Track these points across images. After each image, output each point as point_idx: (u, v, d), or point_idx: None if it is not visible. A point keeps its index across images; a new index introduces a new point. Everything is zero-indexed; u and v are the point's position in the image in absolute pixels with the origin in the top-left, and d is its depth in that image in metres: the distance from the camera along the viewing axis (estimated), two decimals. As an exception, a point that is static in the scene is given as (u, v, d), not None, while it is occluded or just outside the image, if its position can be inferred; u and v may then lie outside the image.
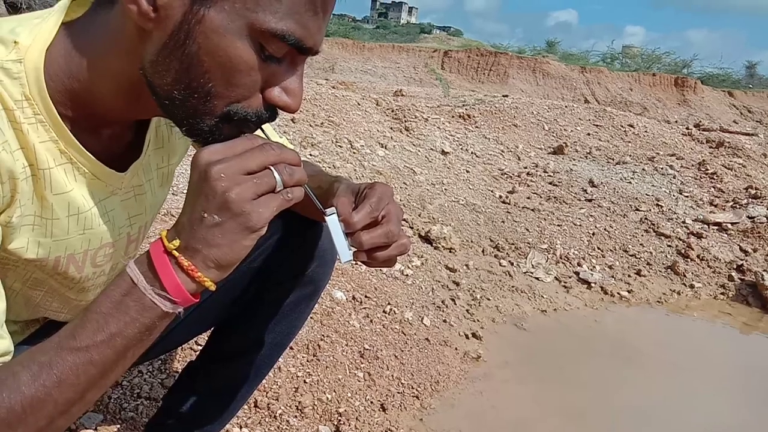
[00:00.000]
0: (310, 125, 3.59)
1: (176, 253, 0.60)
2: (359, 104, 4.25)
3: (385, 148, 3.81)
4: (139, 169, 0.79)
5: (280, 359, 1.68)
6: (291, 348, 1.76)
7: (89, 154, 0.70)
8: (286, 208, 0.65)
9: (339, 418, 1.61)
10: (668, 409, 2.17)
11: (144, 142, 0.79)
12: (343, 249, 0.75)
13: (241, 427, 1.41)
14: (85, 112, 0.68)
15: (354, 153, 3.52)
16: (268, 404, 1.52)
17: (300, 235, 1.03)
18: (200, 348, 1.25)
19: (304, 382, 1.66)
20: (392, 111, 4.44)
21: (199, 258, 0.60)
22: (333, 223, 0.74)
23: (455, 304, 2.62)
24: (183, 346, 1.57)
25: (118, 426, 1.34)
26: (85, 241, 0.75)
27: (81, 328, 0.59)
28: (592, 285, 3.13)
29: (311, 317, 1.97)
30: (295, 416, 1.54)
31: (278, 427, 1.46)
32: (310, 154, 3.22)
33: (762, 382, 2.54)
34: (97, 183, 0.73)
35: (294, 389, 1.62)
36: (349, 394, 1.73)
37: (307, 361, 1.75)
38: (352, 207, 0.76)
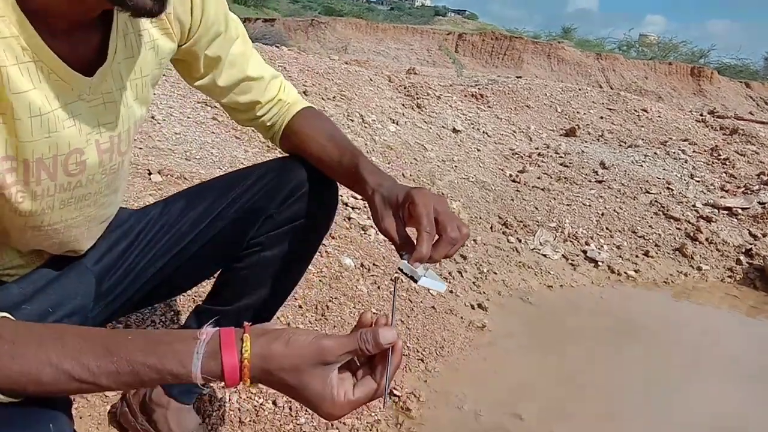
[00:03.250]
0: (322, 98, 3.60)
1: (247, 372, 0.62)
2: (372, 80, 4.25)
3: (397, 123, 3.82)
4: (107, 76, 0.78)
5: (289, 316, 1.72)
6: (300, 307, 1.79)
7: (51, 52, 0.69)
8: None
9: (345, 374, 1.65)
10: (670, 384, 2.19)
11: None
12: (437, 284, 0.86)
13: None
14: (44, 9, 0.67)
15: (365, 127, 3.54)
16: (277, 357, 1.56)
17: (295, 177, 1.05)
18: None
19: (312, 339, 1.70)
20: (404, 88, 4.44)
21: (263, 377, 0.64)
22: (425, 282, 0.85)
23: (462, 276, 2.65)
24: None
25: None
26: (53, 146, 0.74)
27: (108, 361, 0.61)
28: (599, 264, 3.14)
29: (320, 280, 2.01)
30: (303, 371, 1.58)
31: (286, 379, 1.50)
32: (322, 126, 3.25)
33: (764, 362, 2.55)
34: (61, 85, 0.72)
35: (302, 345, 1.66)
36: (356, 354, 1.77)
37: (316, 320, 1.79)
38: (396, 225, 0.89)
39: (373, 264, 2.33)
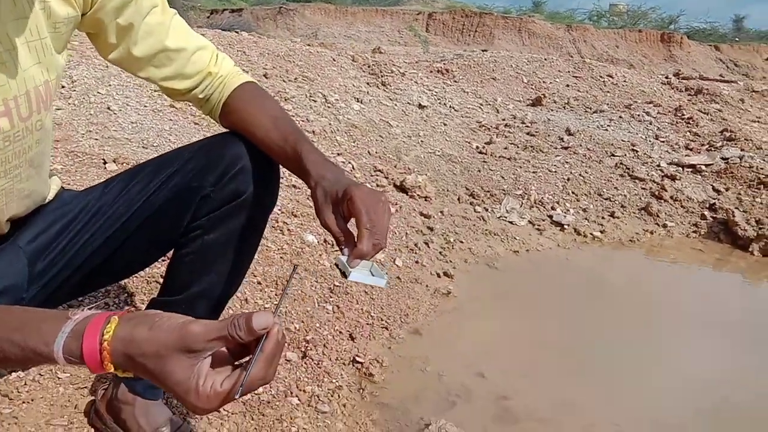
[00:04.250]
0: (284, 80, 3.58)
1: (108, 355, 0.60)
2: (335, 60, 4.23)
3: (361, 102, 3.82)
4: None
5: (247, 292, 1.74)
6: (259, 283, 1.80)
7: None
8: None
9: (306, 345, 1.67)
10: (635, 340, 2.24)
11: None
12: (375, 279, 0.89)
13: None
14: None
15: (328, 107, 3.53)
16: (235, 332, 1.57)
17: (229, 154, 1.02)
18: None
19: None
20: (368, 66, 4.43)
21: (126, 363, 0.61)
22: (355, 276, 0.87)
23: (428, 247, 2.67)
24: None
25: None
26: None
27: None
28: (566, 227, 3.19)
29: (281, 257, 2.02)
30: (263, 343, 1.59)
31: (244, 352, 1.51)
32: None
33: (725, 309, 2.62)
34: None
35: (261, 319, 1.67)
36: (318, 325, 1.79)
37: (276, 295, 1.80)
38: (336, 220, 0.89)
39: (337, 239, 2.34)
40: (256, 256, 1.93)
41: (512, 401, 1.70)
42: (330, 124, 3.41)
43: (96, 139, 2.47)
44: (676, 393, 1.89)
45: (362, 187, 0.89)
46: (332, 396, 1.54)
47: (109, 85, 2.98)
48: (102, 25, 0.93)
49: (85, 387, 1.28)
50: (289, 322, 1.72)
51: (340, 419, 1.48)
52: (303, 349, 1.66)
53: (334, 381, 1.60)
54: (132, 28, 0.95)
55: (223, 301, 1.17)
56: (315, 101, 3.52)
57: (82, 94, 2.84)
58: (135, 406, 1.14)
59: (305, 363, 1.60)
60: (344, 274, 0.86)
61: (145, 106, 2.86)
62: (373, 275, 0.91)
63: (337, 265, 0.89)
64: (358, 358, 1.74)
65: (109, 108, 2.76)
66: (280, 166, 1.08)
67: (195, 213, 1.04)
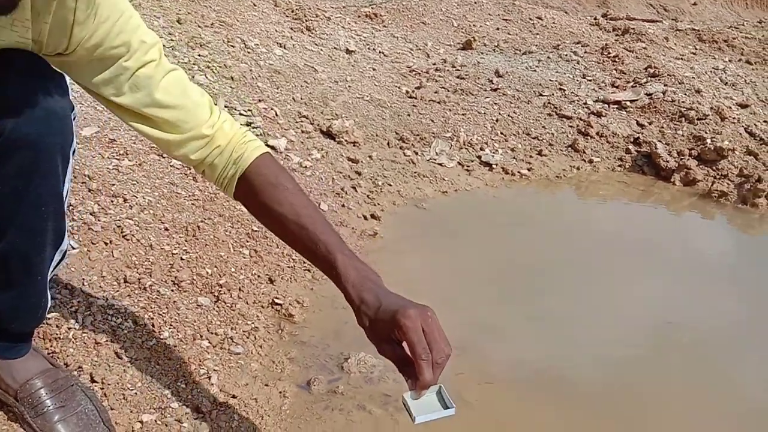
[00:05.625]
0: (198, 26, 3.39)
1: None
2: (255, 5, 4.04)
3: (284, 47, 3.67)
4: None
5: (152, 238, 1.65)
6: (167, 229, 1.71)
7: None
8: None
9: (219, 289, 1.60)
10: (563, 269, 2.28)
11: None
12: (444, 412, 0.85)
13: (107, 300, 1.38)
14: None
15: (248, 52, 3.38)
16: (139, 279, 1.49)
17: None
18: None
19: (181, 259, 1.64)
20: (292, 11, 4.26)
21: None
22: (427, 417, 0.83)
23: (356, 191, 2.62)
24: None
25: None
26: None
27: None
28: (494, 166, 3.19)
29: (192, 203, 1.92)
30: (171, 290, 1.52)
31: (149, 298, 1.44)
32: (199, 55, 3.06)
33: (649, 238, 2.70)
34: None
35: (169, 266, 1.59)
36: (233, 269, 1.72)
37: (185, 240, 1.72)
38: (393, 349, 0.86)
39: (257, 185, 2.26)
40: (165, 203, 1.84)
41: (434, 332, 1.69)
42: (251, 70, 3.26)
43: None
44: (600, 317, 1.93)
45: (408, 312, 0.83)
46: (247, 337, 1.50)
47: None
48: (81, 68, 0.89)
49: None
50: (201, 266, 1.65)
51: (255, 359, 1.44)
52: (216, 294, 1.59)
53: (249, 323, 1.55)
54: (117, 79, 0.90)
55: (27, 265, 0.98)
56: (233, 47, 3.35)
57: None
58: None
59: (218, 307, 1.55)
60: (411, 417, 0.83)
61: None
62: (441, 398, 0.87)
63: (404, 404, 0.85)
64: (277, 300, 1.69)
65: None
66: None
67: None
